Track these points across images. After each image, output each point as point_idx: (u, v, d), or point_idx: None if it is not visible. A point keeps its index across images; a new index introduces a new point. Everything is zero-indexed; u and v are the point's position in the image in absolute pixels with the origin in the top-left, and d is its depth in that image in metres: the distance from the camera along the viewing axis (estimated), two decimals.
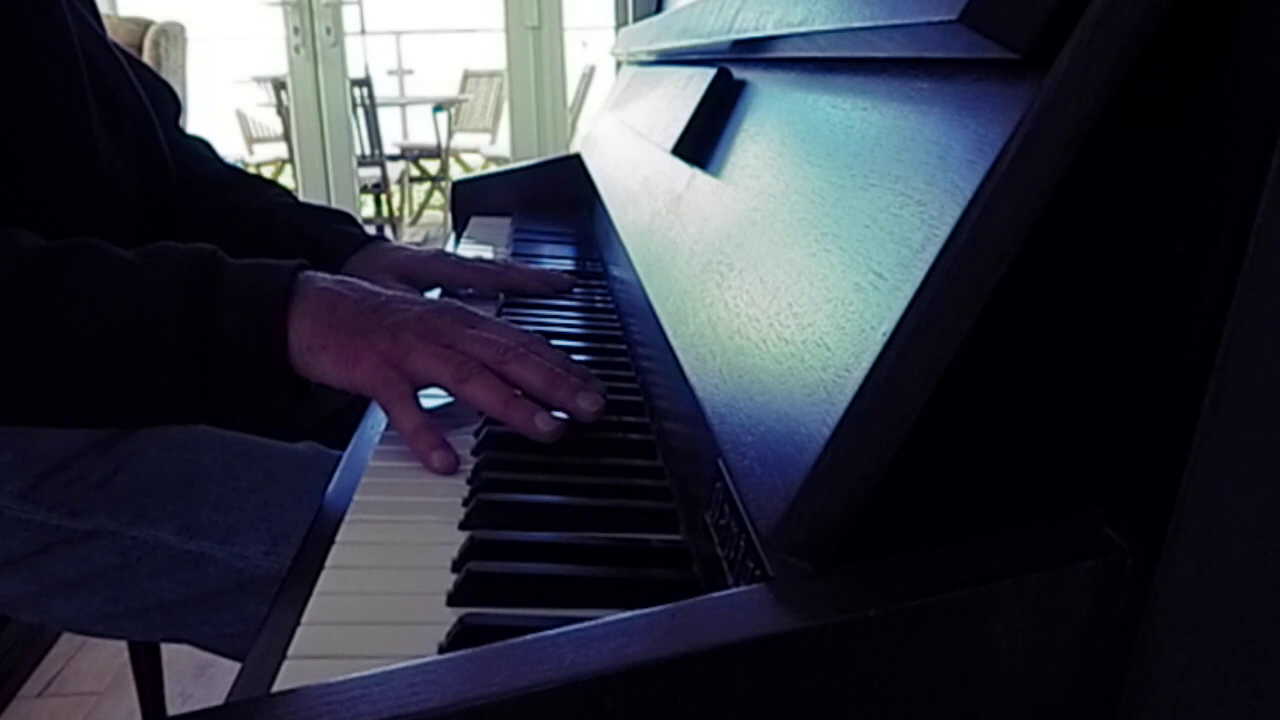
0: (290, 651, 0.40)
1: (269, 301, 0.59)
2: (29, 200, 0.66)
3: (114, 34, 0.88)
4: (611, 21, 1.84)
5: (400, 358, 0.59)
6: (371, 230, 0.97)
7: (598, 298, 0.93)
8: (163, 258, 0.61)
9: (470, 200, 1.35)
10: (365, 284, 0.64)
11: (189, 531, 0.63)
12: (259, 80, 4.68)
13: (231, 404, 0.61)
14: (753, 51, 0.61)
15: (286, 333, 0.59)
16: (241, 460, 0.66)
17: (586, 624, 0.30)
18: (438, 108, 5.05)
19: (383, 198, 4.60)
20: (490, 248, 1.15)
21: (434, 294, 0.89)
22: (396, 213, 4.80)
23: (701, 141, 0.65)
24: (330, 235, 0.88)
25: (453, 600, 0.44)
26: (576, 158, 1.34)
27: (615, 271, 0.93)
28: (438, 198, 5.25)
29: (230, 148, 4.96)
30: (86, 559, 0.64)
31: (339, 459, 0.60)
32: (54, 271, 0.59)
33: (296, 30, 4.05)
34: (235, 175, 0.95)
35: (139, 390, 0.60)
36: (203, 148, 0.96)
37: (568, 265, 1.05)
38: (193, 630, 0.67)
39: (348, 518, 0.51)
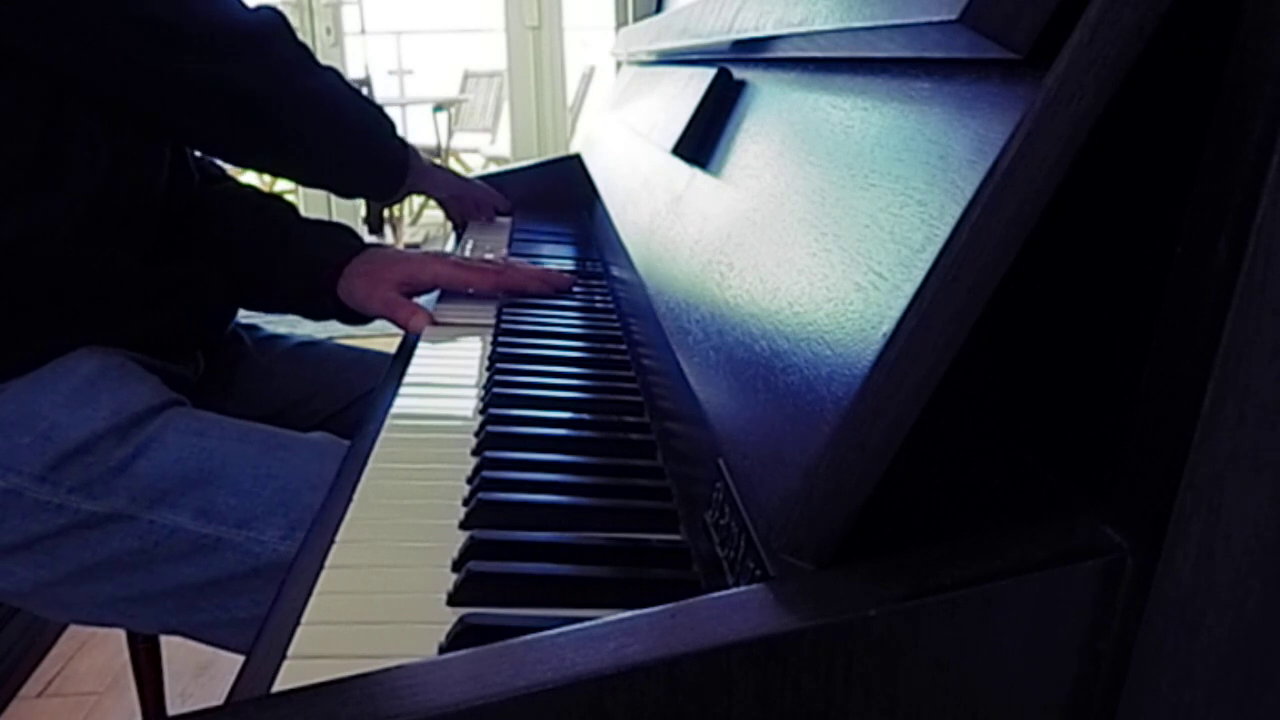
0: (290, 651, 0.40)
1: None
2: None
3: None
4: (611, 21, 1.83)
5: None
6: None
7: (598, 298, 0.93)
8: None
9: None
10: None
11: (206, 516, 0.65)
12: None
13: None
14: (753, 51, 0.61)
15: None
16: (258, 447, 0.68)
17: (586, 624, 0.30)
18: (438, 108, 5.04)
19: None
20: (490, 248, 1.15)
21: (433, 296, 0.90)
22: (397, 212, 4.80)
23: (702, 141, 0.65)
24: (328, 244, 0.91)
25: (453, 600, 0.44)
26: (576, 158, 1.34)
27: (615, 271, 0.93)
28: None
29: None
30: (104, 543, 0.65)
31: None
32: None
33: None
34: (242, 190, 0.98)
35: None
36: (211, 166, 1.00)
37: (568, 265, 1.05)
38: (205, 616, 0.68)
39: (348, 517, 0.51)
